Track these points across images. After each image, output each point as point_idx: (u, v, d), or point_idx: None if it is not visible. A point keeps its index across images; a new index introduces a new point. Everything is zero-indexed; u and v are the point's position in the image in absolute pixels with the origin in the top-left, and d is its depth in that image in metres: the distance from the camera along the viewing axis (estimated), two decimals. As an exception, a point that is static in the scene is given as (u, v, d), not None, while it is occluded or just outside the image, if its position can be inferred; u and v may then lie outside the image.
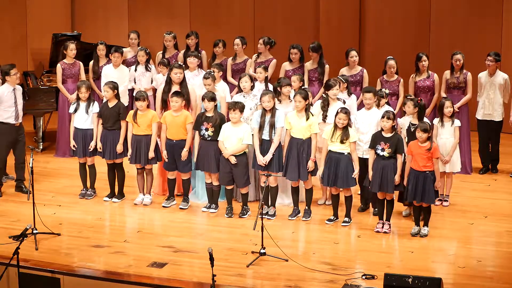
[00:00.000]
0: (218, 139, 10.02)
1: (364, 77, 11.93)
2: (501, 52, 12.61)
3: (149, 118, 10.33)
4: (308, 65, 12.20)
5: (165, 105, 10.53)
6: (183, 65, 10.74)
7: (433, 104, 11.41)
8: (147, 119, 10.32)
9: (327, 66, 12.17)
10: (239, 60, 12.51)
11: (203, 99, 10.12)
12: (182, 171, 10.33)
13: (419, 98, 10.08)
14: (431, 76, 11.59)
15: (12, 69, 10.76)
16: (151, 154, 10.29)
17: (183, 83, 10.52)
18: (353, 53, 11.87)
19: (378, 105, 10.14)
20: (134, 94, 12.28)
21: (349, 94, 10.75)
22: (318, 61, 12.11)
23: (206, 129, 10.08)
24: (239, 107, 9.95)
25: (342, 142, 9.55)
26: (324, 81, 11.87)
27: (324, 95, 10.21)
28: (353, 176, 9.60)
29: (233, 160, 9.92)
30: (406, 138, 9.81)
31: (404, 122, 10.03)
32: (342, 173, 9.59)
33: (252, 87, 10.51)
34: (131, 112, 10.44)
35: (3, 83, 11.02)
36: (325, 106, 10.12)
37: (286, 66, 12.18)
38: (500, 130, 11.84)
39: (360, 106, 10.96)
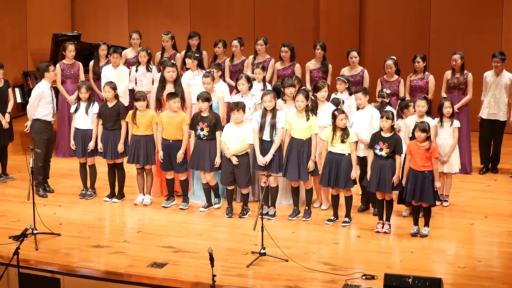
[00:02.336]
0: (220, 139, 10.02)
1: (365, 78, 11.92)
2: (501, 52, 12.63)
3: (149, 119, 10.33)
4: (311, 65, 12.21)
5: (159, 104, 10.54)
6: (176, 64, 10.77)
7: None
8: (146, 120, 10.32)
9: (330, 66, 12.19)
10: (237, 61, 12.50)
11: (197, 100, 10.12)
12: (178, 172, 10.33)
13: (426, 96, 10.10)
14: (426, 77, 11.59)
15: (50, 65, 10.80)
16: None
17: (177, 81, 10.53)
18: (353, 53, 11.87)
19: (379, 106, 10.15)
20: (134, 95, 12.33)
21: (350, 94, 10.76)
22: (321, 61, 12.14)
23: (202, 129, 10.08)
24: (242, 107, 9.96)
25: (343, 141, 9.56)
26: (328, 81, 11.92)
27: (312, 98, 10.16)
28: (351, 177, 9.61)
29: (234, 160, 9.92)
30: (410, 137, 9.80)
31: (410, 122, 10.02)
32: (344, 174, 9.60)
33: (250, 87, 10.52)
34: (130, 113, 10.43)
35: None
36: (313, 109, 10.06)
37: (278, 65, 12.19)
38: (503, 129, 11.83)
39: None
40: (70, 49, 12.42)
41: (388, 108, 10.11)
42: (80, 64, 12.63)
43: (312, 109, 9.99)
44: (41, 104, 10.71)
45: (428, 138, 9.29)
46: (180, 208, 10.37)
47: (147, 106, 10.45)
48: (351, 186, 9.68)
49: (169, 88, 10.49)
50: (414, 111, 10.08)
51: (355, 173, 9.66)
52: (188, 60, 11.38)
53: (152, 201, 10.58)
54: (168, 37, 12.76)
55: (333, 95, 10.75)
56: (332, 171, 9.64)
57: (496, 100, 11.69)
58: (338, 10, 14.68)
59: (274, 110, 9.90)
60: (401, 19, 14.55)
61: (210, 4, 15.54)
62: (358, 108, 10.67)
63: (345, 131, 9.59)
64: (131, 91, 12.38)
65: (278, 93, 10.32)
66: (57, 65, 12.52)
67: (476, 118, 11.93)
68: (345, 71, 11.94)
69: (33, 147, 9.91)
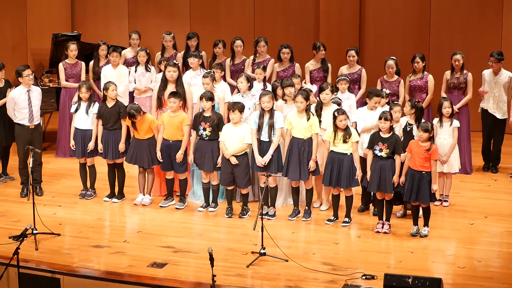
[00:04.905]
0: (219, 139, 10.03)
1: (362, 76, 11.96)
2: (501, 52, 12.62)
3: (147, 124, 10.32)
4: (310, 66, 12.21)
5: (160, 103, 10.55)
6: (178, 64, 10.78)
7: (425, 105, 11.37)
8: (145, 126, 10.32)
9: (329, 65, 12.20)
10: (238, 61, 12.49)
11: (201, 99, 10.13)
12: (178, 172, 10.33)
13: (416, 100, 10.09)
14: (425, 76, 11.60)
15: (24, 70, 10.69)
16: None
17: (178, 82, 10.53)
18: (351, 52, 11.90)
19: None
20: (134, 94, 12.34)
21: (350, 91, 10.84)
22: (321, 61, 12.14)
23: (204, 129, 10.09)
24: (238, 107, 9.95)
25: (345, 141, 9.56)
26: (329, 80, 11.93)
27: (318, 99, 10.16)
28: (356, 177, 9.61)
29: (233, 160, 9.92)
30: (402, 137, 9.82)
31: (401, 122, 10.05)
32: (345, 174, 9.59)
33: (250, 87, 10.51)
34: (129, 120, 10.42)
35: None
36: (318, 111, 10.07)
37: (276, 67, 12.18)
38: (504, 128, 11.83)
39: (359, 104, 11.00)
40: (72, 49, 12.46)
41: (387, 108, 10.11)
42: (83, 63, 12.66)
43: (317, 110, 9.99)
44: (16, 108, 10.75)
45: (430, 139, 9.29)
46: (176, 208, 10.38)
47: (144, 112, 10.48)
48: (353, 186, 9.69)
49: (171, 88, 10.49)
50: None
51: (360, 172, 9.66)
52: (193, 60, 11.34)
53: (152, 201, 10.59)
54: (170, 37, 12.77)
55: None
56: (334, 171, 9.64)
57: (495, 98, 11.71)
58: (338, 10, 14.68)
59: (272, 111, 9.90)
60: (401, 19, 14.55)
61: (210, 4, 15.54)
62: (358, 107, 10.73)
63: (347, 131, 9.59)
64: (131, 92, 12.39)
65: (273, 92, 10.32)
66: (60, 64, 12.60)
67: (477, 112, 11.92)
68: (344, 69, 11.99)
69: (33, 147, 9.94)
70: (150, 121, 10.36)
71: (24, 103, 10.75)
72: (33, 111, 10.79)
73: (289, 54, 12.05)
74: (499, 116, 11.74)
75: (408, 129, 9.83)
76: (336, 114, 9.58)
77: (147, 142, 10.34)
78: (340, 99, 10.36)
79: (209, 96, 10.08)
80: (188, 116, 10.39)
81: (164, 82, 10.58)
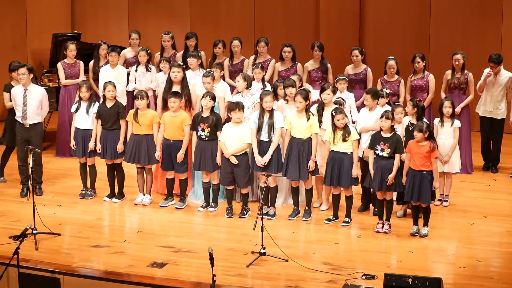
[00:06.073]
0: (219, 139, 10.03)
1: (368, 76, 11.97)
2: (501, 52, 12.59)
3: (149, 119, 10.33)
4: (309, 66, 12.21)
5: (165, 105, 10.57)
6: (183, 65, 10.78)
7: (426, 104, 11.37)
8: (147, 119, 10.33)
9: (329, 65, 12.19)
10: (236, 61, 12.49)
11: (204, 97, 10.12)
12: (179, 171, 10.33)
13: (418, 99, 10.10)
14: (425, 76, 11.60)
15: (18, 69, 10.68)
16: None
17: (184, 82, 10.54)
18: (355, 52, 11.92)
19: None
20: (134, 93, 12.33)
21: (349, 91, 10.85)
22: (320, 61, 12.14)
23: (203, 130, 10.09)
24: (242, 107, 9.96)
25: (344, 140, 9.56)
26: (329, 80, 11.94)
27: (320, 98, 10.19)
28: (353, 176, 9.61)
29: (233, 160, 9.92)
30: (405, 137, 9.82)
31: (404, 122, 10.05)
32: (346, 173, 9.59)
33: (248, 86, 10.51)
34: (132, 112, 10.44)
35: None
36: (320, 111, 10.08)
37: (278, 66, 12.18)
38: (503, 128, 11.82)
39: (362, 104, 10.99)
40: (71, 49, 12.48)
41: (387, 108, 10.11)
42: (81, 63, 12.66)
43: (318, 110, 10.00)
44: (15, 105, 10.81)
45: (428, 138, 9.29)
46: (176, 208, 10.38)
47: (148, 106, 10.46)
48: (354, 185, 9.68)
49: (176, 89, 10.50)
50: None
51: (358, 171, 9.65)
52: (192, 60, 11.37)
53: (152, 201, 10.59)
54: (169, 37, 12.78)
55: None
56: (335, 170, 9.64)
57: (493, 98, 11.71)
58: (338, 10, 14.69)
59: (271, 110, 9.90)
60: (401, 19, 14.56)
61: (210, 4, 15.55)
62: (359, 107, 10.73)
63: (346, 130, 9.59)
64: (130, 92, 12.39)
65: (274, 92, 10.33)
66: (59, 63, 12.61)
67: (475, 111, 11.94)
68: (349, 69, 12.01)
69: (33, 147, 9.94)
70: (153, 115, 10.36)
71: (20, 101, 10.73)
72: (27, 110, 10.70)
73: (291, 53, 12.05)
74: (495, 115, 11.73)
75: (410, 128, 9.83)
76: (333, 114, 9.58)
77: (146, 139, 10.33)
78: (343, 99, 10.36)
79: (212, 96, 10.09)
80: (189, 116, 10.39)
81: (169, 83, 10.59)
